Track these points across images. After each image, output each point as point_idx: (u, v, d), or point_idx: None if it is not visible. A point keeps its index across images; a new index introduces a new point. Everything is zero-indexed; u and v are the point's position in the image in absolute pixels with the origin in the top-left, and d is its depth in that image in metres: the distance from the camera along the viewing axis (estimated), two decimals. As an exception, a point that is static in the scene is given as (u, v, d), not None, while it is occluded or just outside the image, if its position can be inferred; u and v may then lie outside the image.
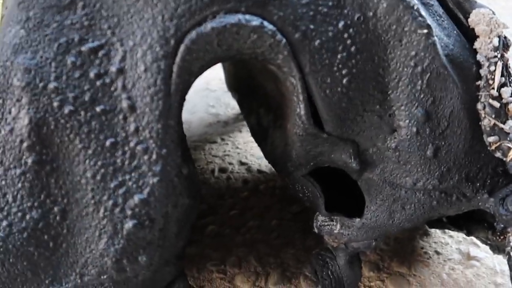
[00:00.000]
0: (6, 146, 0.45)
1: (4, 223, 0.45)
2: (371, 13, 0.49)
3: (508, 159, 0.51)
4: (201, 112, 1.22)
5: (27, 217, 0.46)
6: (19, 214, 0.45)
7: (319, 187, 0.60)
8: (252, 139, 0.75)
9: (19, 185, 0.45)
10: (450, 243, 0.81)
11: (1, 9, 0.57)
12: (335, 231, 0.61)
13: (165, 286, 0.55)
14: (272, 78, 0.55)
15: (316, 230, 0.63)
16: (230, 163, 0.99)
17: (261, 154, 0.71)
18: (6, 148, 0.45)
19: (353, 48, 0.49)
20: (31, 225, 0.46)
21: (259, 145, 0.79)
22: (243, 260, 0.77)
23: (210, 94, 1.30)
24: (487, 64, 0.51)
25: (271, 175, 0.94)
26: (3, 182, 0.45)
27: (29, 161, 0.45)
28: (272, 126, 0.67)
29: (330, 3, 0.48)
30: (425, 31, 0.49)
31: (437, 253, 0.79)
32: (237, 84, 0.86)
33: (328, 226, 0.61)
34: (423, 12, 0.49)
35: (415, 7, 0.49)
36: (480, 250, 0.79)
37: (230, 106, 1.23)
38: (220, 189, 0.92)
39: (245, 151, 1.02)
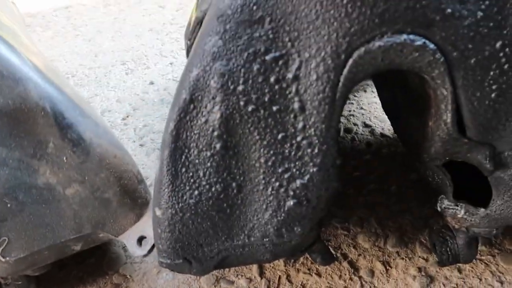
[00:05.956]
0: (200, 133, 0.56)
1: (196, 192, 0.58)
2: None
3: None
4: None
5: (213, 189, 0.58)
6: (207, 186, 0.57)
7: (449, 176, 0.66)
8: (376, 100, 0.78)
9: (208, 164, 0.57)
10: None
11: (194, 12, 0.66)
12: (459, 216, 0.67)
13: (308, 246, 0.67)
14: (418, 75, 0.61)
15: (439, 210, 0.70)
16: (355, 124, 1.06)
17: (384, 117, 0.75)
18: (201, 135, 0.56)
19: (506, 66, 0.53)
20: (215, 195, 0.58)
21: (389, 118, 0.85)
22: (364, 221, 0.86)
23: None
24: None
25: (393, 140, 1.01)
26: (197, 161, 0.57)
27: (218, 146, 0.56)
28: (407, 109, 0.73)
29: (491, 24, 0.52)
30: None
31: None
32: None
33: (452, 210, 0.68)
34: None
35: None
36: None
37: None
38: (345, 149, 1.01)
39: (369, 112, 1.08)
